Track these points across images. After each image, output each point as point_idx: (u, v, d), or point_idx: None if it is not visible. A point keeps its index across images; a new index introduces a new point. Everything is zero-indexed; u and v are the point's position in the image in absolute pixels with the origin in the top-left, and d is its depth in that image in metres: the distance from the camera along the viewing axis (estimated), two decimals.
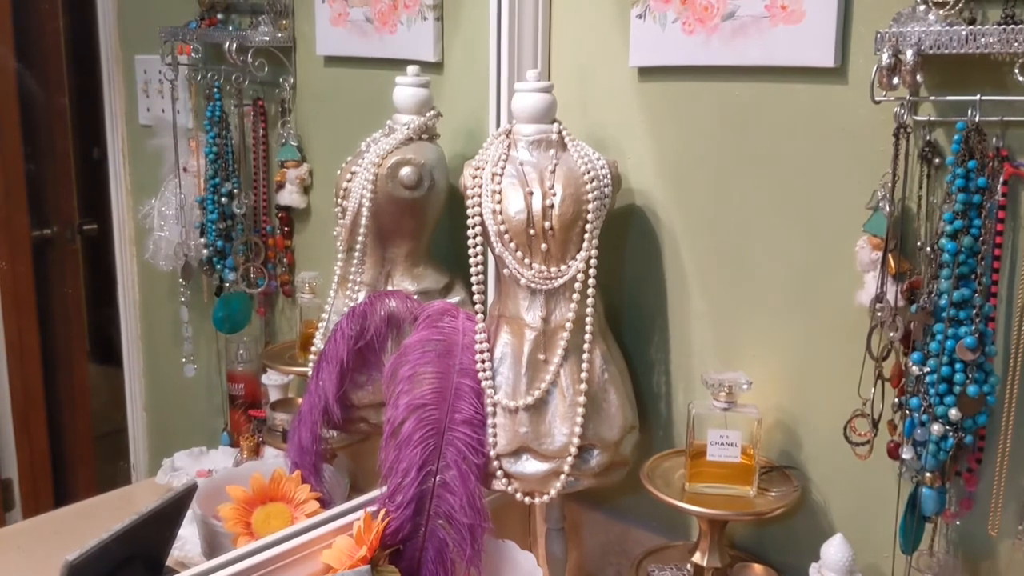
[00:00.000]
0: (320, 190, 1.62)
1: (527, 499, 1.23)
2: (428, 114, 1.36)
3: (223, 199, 1.62)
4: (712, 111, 1.24)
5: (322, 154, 1.61)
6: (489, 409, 1.22)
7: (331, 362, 1.31)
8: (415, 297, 1.34)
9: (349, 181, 1.35)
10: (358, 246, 1.35)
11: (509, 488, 1.23)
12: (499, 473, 1.22)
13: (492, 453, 1.22)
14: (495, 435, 1.22)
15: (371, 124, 1.41)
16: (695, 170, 1.28)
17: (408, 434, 1.20)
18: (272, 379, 1.61)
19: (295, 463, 1.31)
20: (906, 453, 1.05)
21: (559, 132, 1.24)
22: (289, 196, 1.63)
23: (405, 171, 1.32)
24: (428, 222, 1.39)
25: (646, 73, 1.30)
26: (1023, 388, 1.00)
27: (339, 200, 1.37)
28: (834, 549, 1.11)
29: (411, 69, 1.36)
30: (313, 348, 1.39)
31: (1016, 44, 0.92)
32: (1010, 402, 1.01)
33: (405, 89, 1.36)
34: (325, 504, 1.29)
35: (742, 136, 1.22)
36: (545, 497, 1.22)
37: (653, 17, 1.24)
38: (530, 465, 1.22)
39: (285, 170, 1.62)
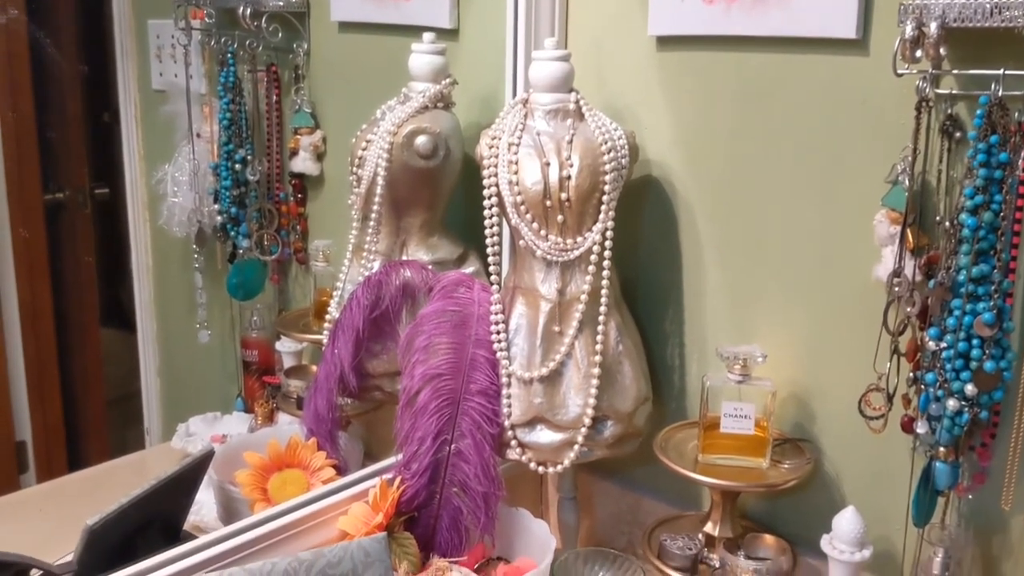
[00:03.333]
0: (334, 157, 1.61)
1: (541, 469, 1.24)
2: (444, 82, 1.35)
3: (237, 165, 1.62)
4: (731, 82, 1.23)
5: (336, 121, 1.60)
6: (504, 380, 1.22)
7: (346, 331, 1.31)
8: (430, 267, 1.34)
9: (364, 150, 1.34)
10: (373, 215, 1.34)
11: (523, 458, 1.23)
12: (513, 443, 1.23)
13: (507, 423, 1.23)
14: (510, 405, 1.22)
15: (386, 91, 1.40)
16: (713, 141, 1.27)
17: (424, 403, 1.21)
18: (286, 346, 1.61)
19: (311, 430, 1.32)
20: (920, 428, 1.05)
21: (576, 102, 1.23)
22: (303, 163, 1.63)
23: (420, 140, 1.31)
24: (443, 192, 1.39)
25: (665, 42, 1.28)
26: None
27: (354, 169, 1.36)
28: (846, 521, 1.12)
29: (427, 36, 1.35)
30: (328, 316, 1.39)
31: None
32: None
33: (421, 56, 1.35)
34: (341, 471, 1.30)
35: (761, 107, 1.21)
36: (559, 467, 1.23)
37: None
38: (544, 435, 1.23)
39: (299, 137, 1.62)
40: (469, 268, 1.39)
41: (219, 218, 1.65)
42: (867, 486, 1.21)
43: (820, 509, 1.21)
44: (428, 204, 1.38)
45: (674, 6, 1.23)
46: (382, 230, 1.37)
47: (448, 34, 1.42)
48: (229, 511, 1.29)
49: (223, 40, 1.59)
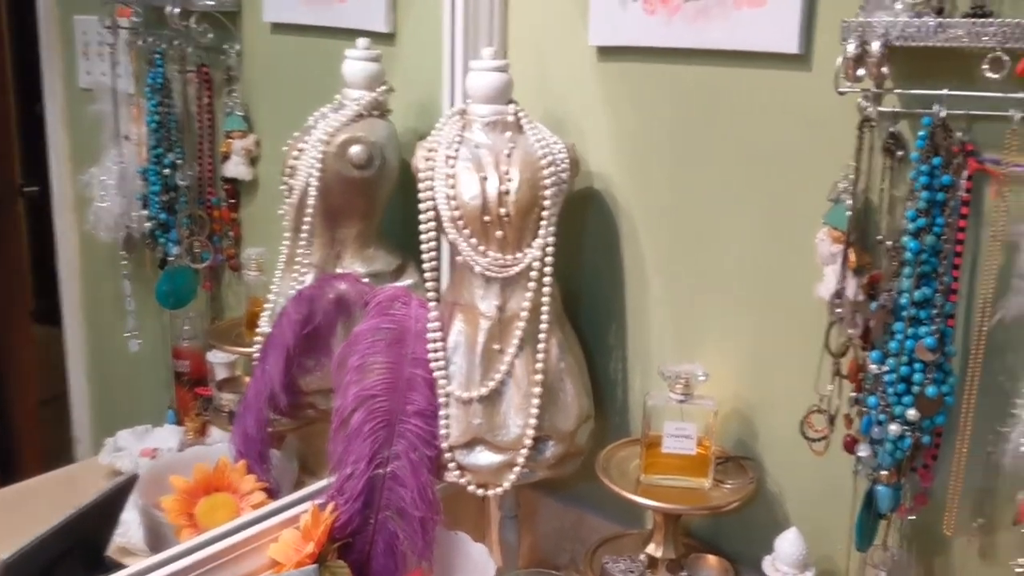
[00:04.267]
0: (268, 162, 1.56)
1: (480, 491, 1.21)
2: (379, 89, 1.31)
3: (166, 170, 1.55)
4: (673, 94, 1.20)
5: (270, 124, 1.55)
6: (442, 400, 1.19)
7: (277, 348, 1.27)
8: (366, 280, 1.29)
9: (296, 159, 1.30)
10: (305, 226, 1.30)
11: (462, 480, 1.20)
12: (452, 465, 1.20)
13: (445, 445, 1.19)
14: (448, 426, 1.19)
15: (322, 95, 1.35)
16: (655, 154, 1.24)
17: (357, 426, 1.17)
18: (218, 357, 1.56)
19: (240, 452, 1.27)
20: (863, 451, 1.04)
21: (516, 114, 1.20)
22: (235, 168, 1.57)
23: (355, 150, 1.27)
24: (379, 202, 1.34)
25: (606, 53, 1.25)
26: (982, 388, 0.99)
27: (286, 178, 1.31)
28: (788, 543, 1.11)
29: (361, 42, 1.30)
30: (258, 330, 1.34)
31: (985, 38, 0.89)
32: (968, 401, 1.00)
33: (355, 63, 1.30)
34: (272, 494, 1.26)
35: (703, 121, 1.19)
36: (499, 489, 1.20)
37: None
38: (483, 457, 1.20)
39: (231, 140, 1.56)
40: (407, 280, 1.35)
41: (148, 224, 1.58)
42: (810, 506, 1.20)
43: (763, 528, 1.19)
44: (363, 214, 1.33)
45: (615, 16, 1.20)
46: (315, 241, 1.32)
47: (384, 38, 1.38)
48: (155, 536, 1.24)
49: (151, 40, 1.52)
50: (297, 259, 1.32)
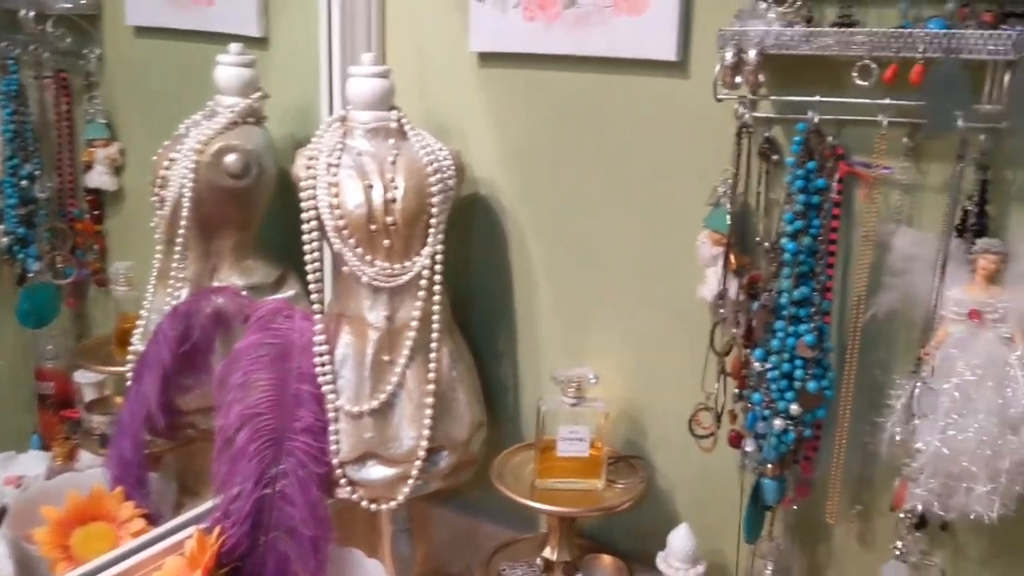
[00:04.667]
0: (134, 171, 1.48)
1: (373, 506, 1.18)
2: (254, 96, 1.26)
3: (23, 182, 1.46)
4: (556, 100, 1.21)
5: (135, 132, 1.47)
6: (331, 415, 1.16)
7: (152, 367, 1.21)
8: (245, 293, 1.25)
9: (167, 168, 1.24)
10: (179, 239, 1.24)
11: (354, 496, 1.18)
12: (343, 481, 1.17)
13: (335, 461, 1.16)
14: (338, 442, 1.16)
15: (191, 101, 1.30)
16: (540, 159, 1.24)
17: (243, 445, 1.13)
18: (86, 377, 1.48)
19: (117, 477, 1.20)
20: (748, 446, 1.07)
21: (399, 120, 1.18)
22: (98, 178, 1.49)
23: (230, 159, 1.22)
24: (256, 211, 1.30)
25: (487, 59, 1.25)
26: (858, 381, 1.03)
27: (157, 189, 1.25)
28: (679, 538, 1.13)
29: (233, 47, 1.26)
30: (131, 349, 1.28)
31: (854, 47, 0.93)
32: (846, 395, 1.04)
33: (228, 69, 1.26)
34: (153, 520, 1.20)
35: (587, 127, 1.20)
36: (392, 503, 1.18)
37: (493, 1, 1.19)
38: (376, 471, 1.18)
39: (93, 149, 1.48)
40: (289, 291, 1.31)
41: (5, 239, 1.48)
42: (699, 501, 1.23)
43: (655, 525, 1.21)
44: (240, 225, 1.29)
45: (495, 22, 1.20)
46: (190, 254, 1.27)
47: (256, 42, 1.33)
48: (28, 571, 1.16)
49: (4, 45, 1.43)
50: (171, 273, 1.26)
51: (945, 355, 0.93)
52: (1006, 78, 0.89)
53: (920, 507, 0.95)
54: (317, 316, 1.17)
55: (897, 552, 1.02)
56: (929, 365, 0.93)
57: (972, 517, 0.91)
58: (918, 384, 0.93)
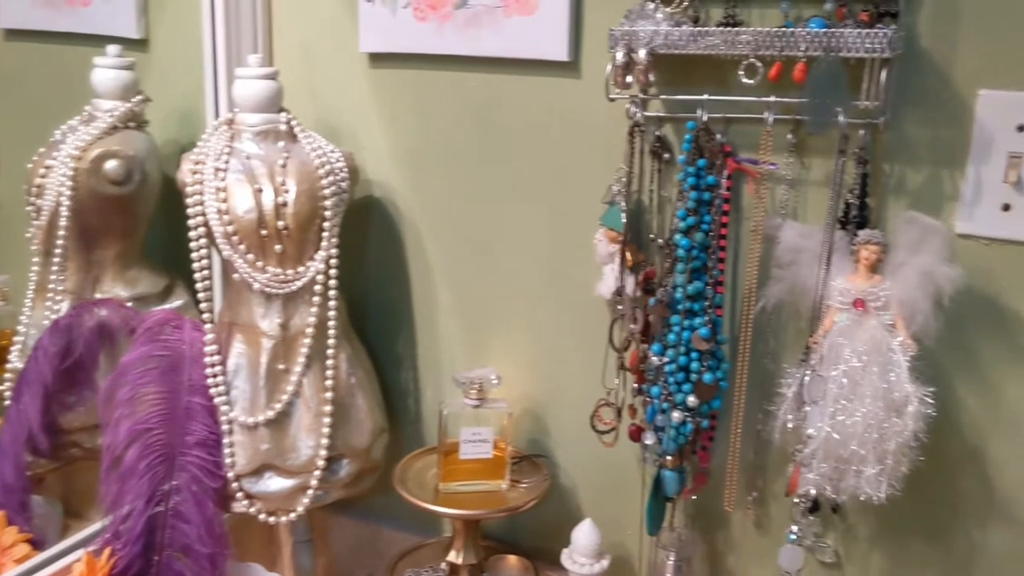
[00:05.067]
0: (7, 179, 1.40)
1: (272, 519, 1.15)
2: (134, 99, 1.22)
3: None
4: (450, 101, 1.20)
5: (5, 139, 1.40)
6: (225, 427, 1.13)
7: (33, 385, 1.15)
8: (130, 305, 1.20)
9: (43, 176, 1.18)
10: (58, 250, 1.18)
11: (251, 510, 1.14)
12: (239, 495, 1.14)
13: (231, 474, 1.13)
14: (233, 455, 1.13)
15: (67, 106, 1.24)
16: (436, 160, 1.24)
17: (132, 463, 1.09)
18: None
19: None
20: (648, 439, 1.09)
21: (288, 122, 1.15)
22: None
23: (111, 165, 1.18)
24: (140, 219, 1.25)
25: (378, 59, 1.23)
26: (752, 371, 1.06)
27: (32, 198, 1.19)
28: (583, 534, 1.14)
29: (111, 49, 1.21)
30: (9, 367, 1.21)
31: (739, 46, 0.95)
32: (740, 385, 1.06)
33: (106, 72, 1.20)
34: (38, 545, 1.14)
35: (482, 127, 1.20)
36: (292, 515, 1.15)
37: (383, 1, 1.18)
38: (274, 483, 1.15)
39: None
40: (177, 302, 1.27)
41: None
42: (602, 496, 1.24)
43: (559, 522, 1.22)
44: (123, 234, 1.24)
45: (385, 23, 1.19)
46: (69, 266, 1.21)
47: (136, 44, 1.28)
48: None
49: None
50: (50, 285, 1.20)
51: (832, 343, 0.96)
52: (883, 75, 0.92)
53: (813, 491, 0.98)
54: (207, 326, 1.14)
55: (792, 536, 1.05)
56: (817, 353, 0.96)
57: (862, 499, 0.94)
58: (807, 372, 0.96)
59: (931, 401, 0.92)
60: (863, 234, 0.95)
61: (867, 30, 0.90)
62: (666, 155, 1.07)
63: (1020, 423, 0.99)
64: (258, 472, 1.14)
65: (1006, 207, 0.95)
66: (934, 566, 1.07)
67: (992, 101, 0.93)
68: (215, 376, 1.13)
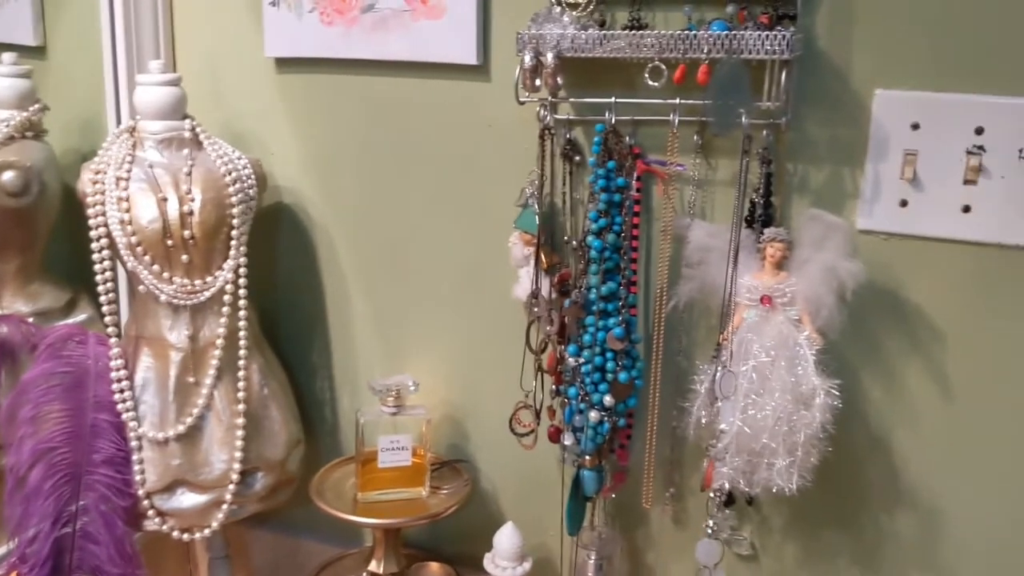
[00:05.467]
0: None
1: (186, 536, 1.12)
2: (32, 108, 1.17)
3: None
4: (360, 105, 1.19)
5: None
6: (133, 444, 1.09)
7: None
8: (31, 320, 1.16)
9: None
10: None
11: (164, 527, 1.11)
12: (151, 513, 1.10)
13: (141, 492, 1.10)
14: (143, 472, 1.10)
15: None
16: (347, 166, 1.22)
17: (37, 483, 1.05)
18: None
19: None
20: (567, 439, 1.09)
21: (192, 129, 1.13)
22: None
23: (8, 176, 1.13)
24: (40, 232, 1.21)
25: (284, 64, 1.21)
26: (665, 369, 1.08)
27: None
28: (505, 537, 1.14)
29: (7, 56, 1.17)
30: None
31: (644, 49, 0.96)
32: (654, 383, 1.08)
33: (1, 80, 1.16)
34: None
35: (393, 132, 1.19)
36: (206, 531, 1.13)
37: (288, 5, 1.16)
38: (187, 499, 1.12)
39: None
40: (80, 316, 1.23)
41: None
42: (523, 499, 1.24)
43: (481, 527, 1.22)
44: (22, 247, 1.19)
45: (291, 27, 1.17)
46: None
47: (33, 52, 1.24)
48: None
49: None
50: None
51: (741, 339, 0.98)
52: (783, 76, 0.95)
53: (727, 485, 0.99)
54: (113, 340, 1.10)
55: (709, 530, 1.07)
56: (728, 350, 0.98)
57: (774, 491, 0.96)
58: (719, 368, 0.98)
59: (837, 393, 0.94)
60: (768, 232, 0.98)
61: (767, 32, 0.92)
62: (577, 157, 1.08)
63: (922, 413, 1.02)
64: (170, 488, 1.11)
65: (903, 203, 0.98)
66: (845, 553, 1.10)
67: (888, 100, 0.96)
68: (122, 391, 1.10)
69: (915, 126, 0.96)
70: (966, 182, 0.95)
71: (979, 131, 0.94)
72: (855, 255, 0.96)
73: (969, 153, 0.95)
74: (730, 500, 1.07)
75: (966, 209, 0.96)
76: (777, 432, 0.95)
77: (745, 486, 0.98)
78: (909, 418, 1.03)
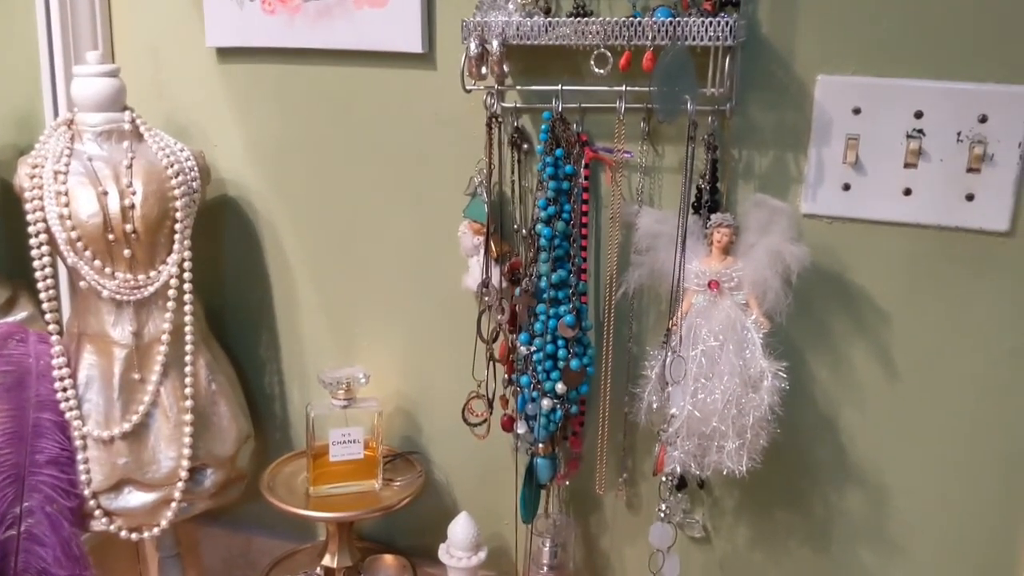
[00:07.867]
0: None
1: (134, 536, 1.11)
2: None
3: None
4: (305, 95, 1.18)
5: None
6: (78, 443, 1.07)
7: None
8: None
9: None
10: None
11: (112, 527, 1.09)
12: (98, 513, 1.08)
13: (87, 492, 1.08)
14: (88, 471, 1.08)
15: None
16: (293, 156, 1.21)
17: None
18: None
19: None
20: (520, 428, 1.09)
21: (132, 121, 1.10)
22: None
23: None
24: None
25: (227, 54, 1.19)
26: (616, 355, 1.08)
27: None
28: (460, 527, 1.14)
29: None
30: None
31: (589, 36, 0.96)
32: (606, 370, 1.08)
33: None
34: None
35: (339, 121, 1.17)
36: (156, 530, 1.11)
37: None
38: (134, 498, 1.10)
39: None
40: (20, 314, 1.20)
41: None
42: (477, 489, 1.24)
43: (435, 518, 1.22)
44: None
45: (232, 17, 1.15)
46: None
47: None
48: None
49: None
50: None
51: (690, 324, 0.99)
52: (727, 63, 0.95)
53: (679, 469, 1.00)
54: (55, 337, 1.08)
55: (662, 514, 1.08)
56: (677, 335, 0.99)
57: (725, 473, 0.97)
58: (668, 354, 0.99)
59: (785, 375, 0.95)
60: (715, 218, 0.98)
61: (710, 19, 0.92)
62: (525, 146, 1.08)
63: (868, 392, 1.04)
64: (117, 488, 1.09)
65: (846, 187, 0.99)
66: (797, 532, 1.12)
67: (829, 85, 0.98)
68: (65, 390, 1.08)
69: (856, 111, 0.97)
70: (907, 165, 0.97)
71: (918, 115, 0.95)
72: (800, 239, 0.98)
73: (909, 137, 0.96)
74: (682, 484, 1.08)
75: (907, 192, 0.98)
76: (726, 415, 0.96)
77: (696, 469, 0.99)
78: (855, 398, 1.05)
